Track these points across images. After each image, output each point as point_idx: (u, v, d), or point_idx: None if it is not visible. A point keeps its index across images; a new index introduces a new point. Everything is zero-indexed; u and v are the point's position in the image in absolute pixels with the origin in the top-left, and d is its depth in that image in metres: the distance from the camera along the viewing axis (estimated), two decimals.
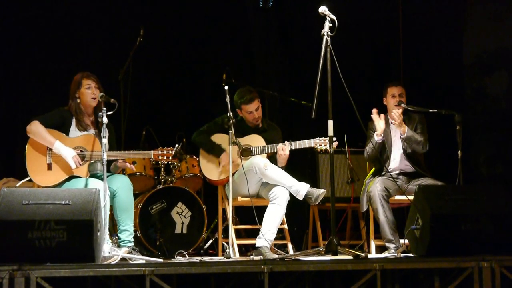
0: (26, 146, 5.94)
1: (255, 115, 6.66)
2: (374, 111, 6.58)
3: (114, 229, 6.46)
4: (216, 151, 6.65)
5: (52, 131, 5.93)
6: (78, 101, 6.08)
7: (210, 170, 6.71)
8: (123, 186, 5.98)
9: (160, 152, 6.12)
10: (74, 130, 6.03)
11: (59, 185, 5.90)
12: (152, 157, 6.15)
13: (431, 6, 8.42)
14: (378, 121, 6.57)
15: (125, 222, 5.98)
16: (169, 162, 7.24)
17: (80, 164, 5.89)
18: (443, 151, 7.22)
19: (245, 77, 8.24)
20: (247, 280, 5.33)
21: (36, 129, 5.89)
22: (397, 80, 7.40)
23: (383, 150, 6.68)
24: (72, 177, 5.93)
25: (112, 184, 5.89)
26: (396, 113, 6.53)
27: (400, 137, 6.60)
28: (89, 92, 6.05)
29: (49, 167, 5.93)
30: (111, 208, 6.05)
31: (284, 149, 6.47)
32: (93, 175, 6.04)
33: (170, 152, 6.12)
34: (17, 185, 6.67)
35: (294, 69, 8.88)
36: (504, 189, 5.81)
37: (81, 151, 5.96)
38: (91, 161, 6.00)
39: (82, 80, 6.08)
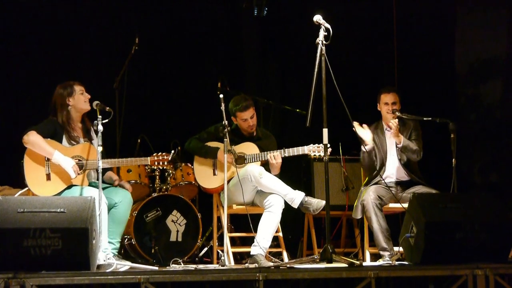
0: (24, 157, 5.92)
1: (250, 123, 6.66)
2: (355, 124, 6.57)
3: None
4: (211, 153, 6.64)
5: (49, 141, 5.93)
6: (69, 108, 6.07)
7: (205, 178, 6.71)
8: (125, 201, 5.99)
9: (156, 158, 6.15)
10: (65, 141, 6.03)
11: (58, 194, 5.88)
12: (149, 163, 6.17)
13: (424, 15, 8.46)
14: (362, 132, 6.59)
15: (113, 236, 5.96)
16: (164, 169, 7.28)
17: (79, 173, 5.89)
18: (437, 159, 7.24)
19: (239, 85, 8.25)
20: None
21: (35, 140, 5.86)
22: (390, 86, 7.42)
23: (377, 158, 6.69)
24: (70, 185, 5.93)
25: (114, 196, 5.92)
26: (393, 123, 6.53)
27: (397, 147, 6.62)
28: (83, 97, 6.08)
29: (48, 177, 5.93)
30: None
31: (276, 157, 6.47)
32: (89, 184, 6.03)
33: (166, 157, 6.14)
34: (16, 195, 6.63)
35: (288, 78, 8.90)
36: (498, 198, 5.83)
37: (79, 160, 5.96)
38: (89, 170, 6.00)
39: (75, 86, 6.09)
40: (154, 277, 4.85)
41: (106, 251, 5.78)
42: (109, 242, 5.93)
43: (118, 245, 6.02)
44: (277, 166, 6.50)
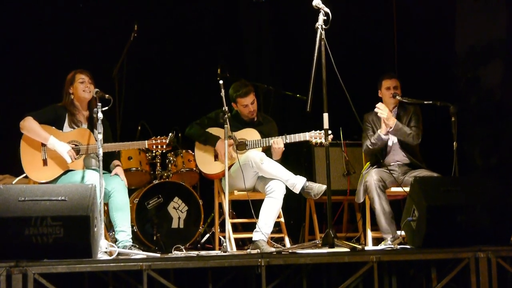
0: (20, 142, 5.95)
1: (250, 109, 6.65)
2: (379, 106, 6.57)
3: (110, 225, 6.46)
4: (211, 141, 6.63)
5: (46, 126, 5.95)
6: (72, 96, 6.12)
7: (206, 164, 6.70)
8: (117, 187, 5.96)
9: (154, 141, 6.14)
10: (67, 127, 6.06)
11: (56, 179, 5.91)
12: (146, 146, 6.16)
13: None
14: (384, 114, 6.55)
15: (122, 223, 5.95)
16: (165, 156, 7.27)
17: (75, 158, 5.90)
18: (438, 142, 7.23)
19: (239, 71, 8.23)
20: (244, 274, 5.34)
21: (30, 125, 5.91)
22: (391, 72, 7.39)
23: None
24: (67, 170, 5.93)
25: (106, 185, 5.87)
26: (379, 106, 6.52)
27: (389, 131, 6.60)
28: (82, 86, 6.08)
29: (45, 162, 5.95)
30: (106, 204, 6.06)
31: (278, 142, 6.47)
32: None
33: (164, 140, 6.13)
34: (13, 182, 6.66)
35: (288, 63, 8.87)
36: (499, 180, 5.82)
37: (76, 145, 5.97)
38: (86, 155, 6.00)
39: (76, 75, 6.13)
40: (156, 264, 4.86)
41: (123, 242, 5.82)
42: (121, 231, 5.93)
43: (130, 230, 5.99)
44: (279, 152, 6.49)
